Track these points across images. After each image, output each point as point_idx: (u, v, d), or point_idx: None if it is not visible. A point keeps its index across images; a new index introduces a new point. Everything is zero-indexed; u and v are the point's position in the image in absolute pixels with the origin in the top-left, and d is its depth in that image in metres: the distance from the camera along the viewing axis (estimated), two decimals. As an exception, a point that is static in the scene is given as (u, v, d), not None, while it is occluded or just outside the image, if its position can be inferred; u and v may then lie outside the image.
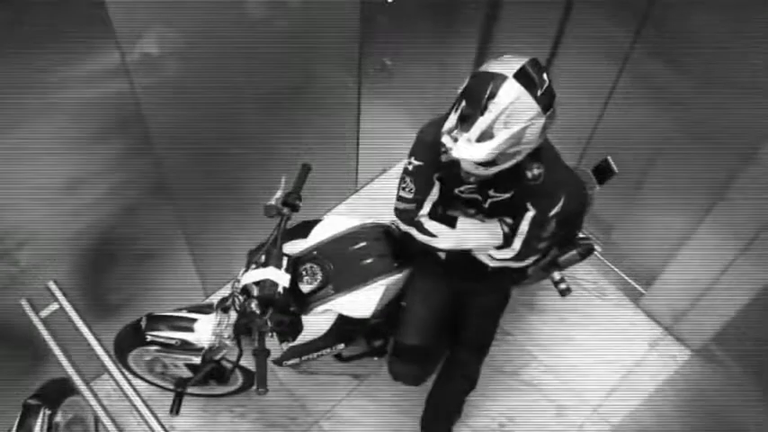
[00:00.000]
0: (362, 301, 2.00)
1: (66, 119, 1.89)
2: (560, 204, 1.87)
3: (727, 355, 2.34)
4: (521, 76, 1.62)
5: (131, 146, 2.12)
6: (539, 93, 1.63)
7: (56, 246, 2.16)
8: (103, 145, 2.05)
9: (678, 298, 2.82)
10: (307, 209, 2.03)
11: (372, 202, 3.35)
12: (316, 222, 2.11)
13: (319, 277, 1.98)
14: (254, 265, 1.87)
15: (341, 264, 2.02)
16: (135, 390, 1.87)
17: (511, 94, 1.61)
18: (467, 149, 1.66)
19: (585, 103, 2.75)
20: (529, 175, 1.82)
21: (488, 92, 1.61)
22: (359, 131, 3.05)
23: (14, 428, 1.96)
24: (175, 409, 2.08)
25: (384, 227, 2.13)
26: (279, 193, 1.94)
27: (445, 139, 1.72)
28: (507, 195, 1.90)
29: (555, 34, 2.70)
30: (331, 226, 2.10)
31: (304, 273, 1.99)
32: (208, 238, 2.69)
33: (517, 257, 1.97)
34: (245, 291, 1.84)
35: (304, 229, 2.10)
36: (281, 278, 1.85)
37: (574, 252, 2.31)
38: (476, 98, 1.64)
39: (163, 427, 1.81)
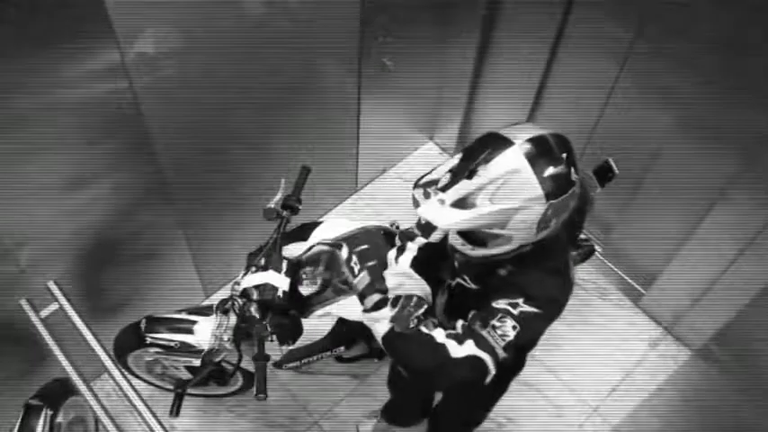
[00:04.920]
0: None
1: (67, 119, 1.89)
2: (513, 300, 1.47)
3: (727, 355, 2.34)
4: (531, 147, 1.34)
5: (131, 146, 2.12)
6: (547, 173, 1.33)
7: (56, 246, 2.16)
8: (103, 145, 2.05)
9: (678, 298, 2.82)
10: (307, 209, 2.03)
11: (372, 203, 3.35)
12: (315, 225, 2.11)
13: (319, 280, 1.98)
14: (253, 269, 1.87)
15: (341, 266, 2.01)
16: (135, 390, 1.87)
17: (509, 164, 1.33)
18: (434, 211, 1.38)
19: (585, 103, 2.75)
20: (497, 272, 1.54)
21: (484, 155, 1.35)
22: (359, 131, 3.05)
23: (16, 429, 1.96)
24: (175, 411, 2.08)
25: (385, 229, 2.12)
26: (278, 196, 1.94)
27: (416, 192, 1.43)
28: (473, 287, 1.63)
29: (555, 34, 2.70)
30: (331, 228, 2.10)
31: (304, 276, 1.99)
32: (208, 238, 2.69)
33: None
34: (245, 294, 1.84)
35: (303, 232, 2.09)
36: (281, 282, 1.85)
37: (574, 254, 2.31)
38: (469, 158, 1.38)
39: (163, 427, 1.81)
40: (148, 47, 1.92)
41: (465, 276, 1.66)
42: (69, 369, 1.88)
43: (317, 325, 2.14)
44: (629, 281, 3.03)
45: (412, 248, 1.78)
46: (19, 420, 1.97)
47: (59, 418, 2.05)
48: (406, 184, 3.60)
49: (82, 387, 1.87)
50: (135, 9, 1.81)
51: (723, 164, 2.36)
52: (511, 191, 1.34)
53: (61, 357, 1.90)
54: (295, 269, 1.94)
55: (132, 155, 2.16)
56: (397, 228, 2.14)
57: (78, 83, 1.84)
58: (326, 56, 2.56)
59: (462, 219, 1.37)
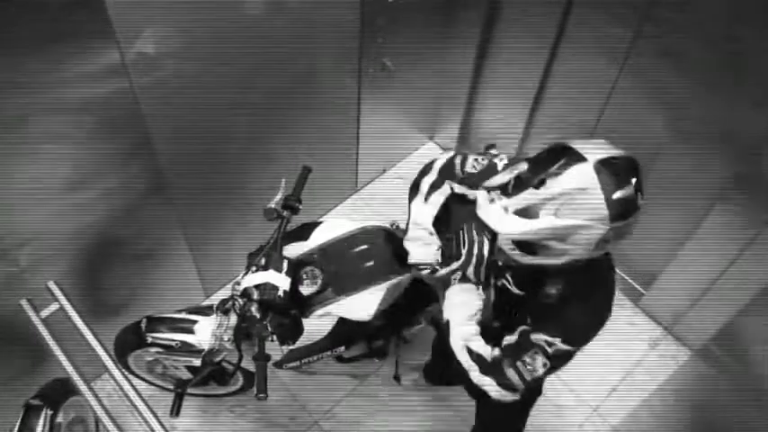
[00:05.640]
0: (363, 304, 2.00)
1: (67, 119, 1.89)
2: (551, 339, 1.51)
3: (727, 355, 2.34)
4: (603, 167, 1.31)
5: (131, 146, 2.12)
6: (615, 196, 1.30)
7: (56, 246, 2.16)
8: (103, 145, 2.05)
9: (678, 298, 2.82)
10: (307, 209, 2.03)
11: (372, 203, 3.35)
12: (316, 224, 2.11)
13: (320, 280, 1.98)
14: (254, 268, 1.87)
15: (341, 266, 2.02)
16: (135, 390, 1.87)
17: (579, 181, 1.31)
18: (497, 217, 1.39)
19: (585, 102, 2.75)
20: (546, 290, 1.53)
21: (556, 167, 1.33)
22: (359, 131, 3.06)
23: (16, 429, 1.96)
24: (175, 411, 2.08)
25: (385, 229, 2.13)
26: (278, 196, 1.94)
27: (480, 195, 1.45)
28: (517, 292, 1.64)
29: (555, 34, 2.70)
30: (331, 228, 2.10)
31: (304, 276, 1.99)
32: (208, 238, 2.69)
33: (483, 367, 1.61)
34: (246, 294, 1.84)
35: (304, 232, 2.10)
36: (282, 281, 1.85)
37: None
38: (539, 167, 1.36)
39: (163, 427, 1.81)
40: (148, 47, 1.92)
41: (508, 276, 1.66)
42: (69, 369, 1.88)
43: (317, 325, 2.14)
44: (630, 281, 3.03)
45: (436, 202, 1.83)
46: (19, 420, 1.97)
47: (59, 418, 2.05)
48: (406, 185, 3.59)
49: (82, 387, 1.87)
50: (135, 9, 1.81)
51: (723, 164, 2.36)
52: (577, 208, 1.33)
53: (61, 357, 1.89)
54: (296, 269, 1.94)
55: (132, 155, 2.16)
56: (397, 227, 2.14)
57: (78, 83, 1.84)
58: (327, 56, 2.56)
59: (524, 229, 1.37)
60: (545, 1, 2.67)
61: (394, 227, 2.15)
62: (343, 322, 2.14)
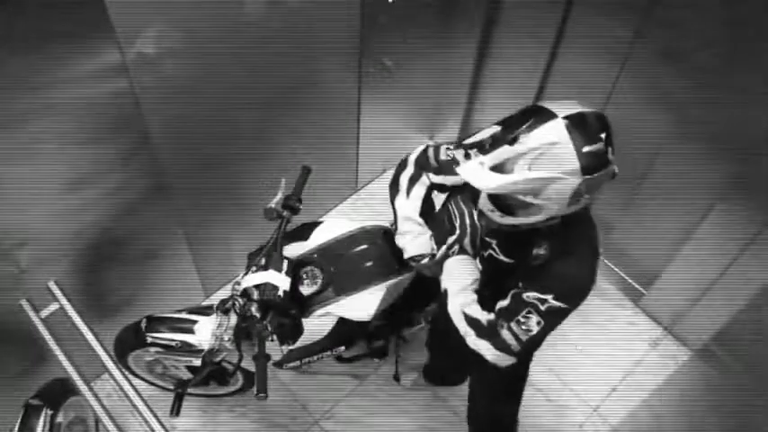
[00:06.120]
0: (363, 304, 2.01)
1: (67, 119, 1.89)
2: (543, 296, 1.56)
3: (727, 355, 2.34)
4: (573, 122, 1.38)
5: (131, 146, 2.12)
6: (585, 149, 1.36)
7: (56, 246, 2.16)
8: (103, 145, 2.05)
9: (678, 298, 2.83)
10: (307, 209, 2.03)
11: (372, 203, 3.35)
12: (315, 224, 2.11)
13: (320, 280, 1.98)
14: (254, 268, 1.87)
15: (341, 266, 2.02)
16: (136, 390, 1.87)
17: (550, 136, 1.37)
18: (473, 172, 1.44)
19: (585, 102, 2.75)
20: (533, 252, 1.58)
21: (527, 124, 1.39)
22: (359, 131, 3.06)
23: (16, 429, 1.96)
24: (175, 410, 2.08)
25: (385, 229, 2.13)
26: (279, 196, 1.94)
27: (457, 152, 1.55)
28: (505, 260, 1.70)
29: (555, 34, 2.70)
30: (331, 228, 2.10)
31: (304, 276, 1.99)
32: (208, 238, 2.69)
33: (480, 332, 1.65)
34: (246, 294, 1.84)
35: (304, 232, 2.10)
36: (282, 281, 1.85)
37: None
38: (512, 126, 1.42)
39: (163, 427, 1.81)
40: (148, 47, 1.92)
41: (494, 246, 1.70)
42: (70, 369, 1.89)
43: (317, 325, 2.14)
44: (630, 281, 3.03)
45: (418, 195, 1.89)
46: (19, 420, 1.97)
47: (59, 418, 2.05)
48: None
49: (82, 387, 1.87)
50: (135, 9, 1.81)
51: (723, 164, 2.36)
52: (549, 161, 1.38)
53: (61, 357, 1.90)
54: (296, 269, 1.94)
55: (132, 155, 2.16)
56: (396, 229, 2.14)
57: (78, 83, 1.84)
58: (327, 56, 2.56)
59: (500, 183, 1.42)
60: (545, 1, 2.67)
61: (394, 227, 2.15)
62: (343, 322, 2.14)
